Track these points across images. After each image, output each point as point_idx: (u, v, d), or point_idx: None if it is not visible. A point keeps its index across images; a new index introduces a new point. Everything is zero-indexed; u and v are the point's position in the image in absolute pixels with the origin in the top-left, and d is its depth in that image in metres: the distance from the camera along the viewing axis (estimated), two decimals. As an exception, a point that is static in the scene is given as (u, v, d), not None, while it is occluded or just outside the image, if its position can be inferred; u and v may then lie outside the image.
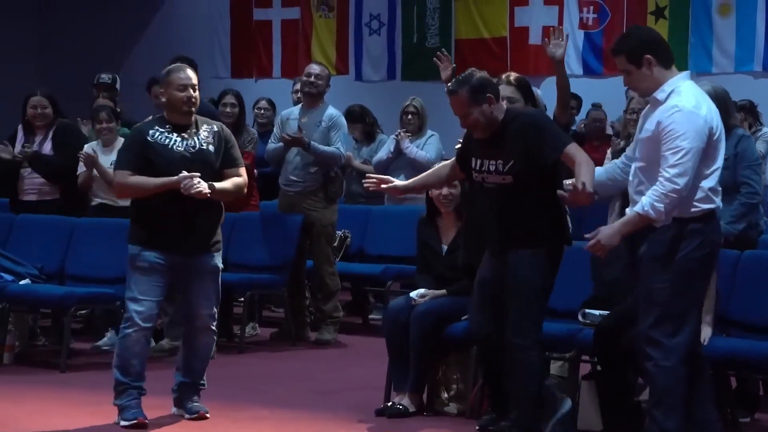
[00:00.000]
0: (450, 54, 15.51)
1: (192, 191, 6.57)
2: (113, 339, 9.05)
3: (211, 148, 6.78)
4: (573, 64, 14.52)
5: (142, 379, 6.79)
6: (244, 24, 17.01)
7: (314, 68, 9.79)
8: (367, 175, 6.73)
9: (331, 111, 9.70)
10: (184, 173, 6.59)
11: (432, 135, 10.83)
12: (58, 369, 8.45)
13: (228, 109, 9.86)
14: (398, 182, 6.84)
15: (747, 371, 6.54)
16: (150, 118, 7.05)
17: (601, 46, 14.79)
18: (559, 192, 5.97)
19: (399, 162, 10.66)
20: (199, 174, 6.61)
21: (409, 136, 10.74)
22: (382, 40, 16.16)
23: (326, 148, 9.52)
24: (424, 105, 10.99)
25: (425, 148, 10.63)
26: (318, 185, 9.59)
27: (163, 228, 6.67)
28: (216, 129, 6.87)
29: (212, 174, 6.73)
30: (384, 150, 10.90)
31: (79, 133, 10.06)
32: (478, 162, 6.36)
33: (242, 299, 9.64)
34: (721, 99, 6.41)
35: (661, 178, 5.61)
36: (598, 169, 6.19)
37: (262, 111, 11.63)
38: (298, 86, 10.90)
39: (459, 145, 6.73)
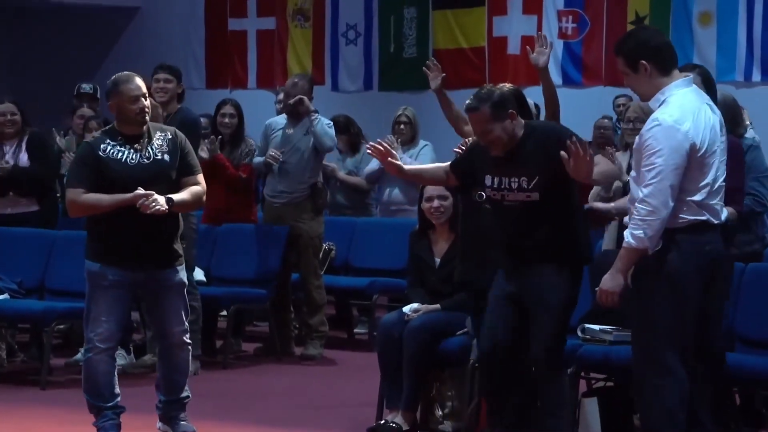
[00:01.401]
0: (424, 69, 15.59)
1: (149, 211, 6.35)
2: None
3: (166, 157, 6.55)
4: (552, 74, 14.13)
5: (114, 397, 6.61)
6: (218, 34, 16.85)
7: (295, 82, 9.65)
8: (371, 143, 6.49)
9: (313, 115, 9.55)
10: (140, 191, 6.36)
11: (426, 145, 10.69)
12: (39, 386, 8.28)
13: (227, 120, 9.71)
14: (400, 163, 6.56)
15: (752, 387, 6.40)
16: (98, 132, 6.86)
17: (581, 55, 14.71)
18: (562, 153, 5.74)
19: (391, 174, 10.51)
20: (154, 192, 6.38)
21: (398, 145, 10.57)
22: (358, 51, 16.03)
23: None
24: (414, 115, 10.82)
25: (419, 158, 10.48)
26: (305, 196, 9.44)
27: (120, 243, 6.46)
28: (170, 136, 6.62)
29: (169, 185, 6.52)
30: (376, 161, 10.71)
31: (51, 141, 9.88)
32: (496, 180, 6.15)
33: (225, 313, 9.46)
34: (729, 107, 6.26)
35: (637, 202, 5.44)
36: None
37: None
38: (281, 96, 10.76)
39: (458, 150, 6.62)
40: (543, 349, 6.05)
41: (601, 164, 5.99)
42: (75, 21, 17.52)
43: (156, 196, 6.37)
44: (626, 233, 5.50)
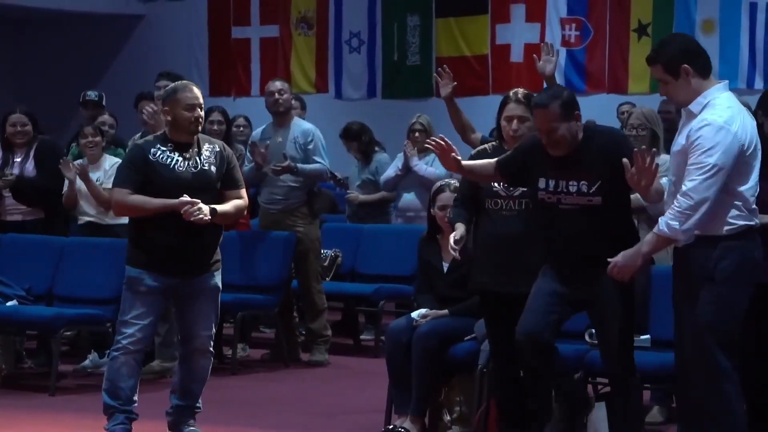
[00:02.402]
0: (431, 72, 15.73)
1: (193, 218, 6.42)
2: (96, 360, 8.93)
3: (212, 168, 6.64)
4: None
5: (131, 403, 6.65)
6: (222, 42, 16.89)
7: (276, 84, 9.58)
8: (432, 138, 6.43)
9: (305, 125, 9.58)
10: (185, 198, 6.44)
11: (441, 152, 10.68)
12: (47, 392, 8.29)
13: (215, 127, 9.70)
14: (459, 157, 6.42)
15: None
16: (151, 136, 6.91)
17: (584, 63, 14.76)
18: (624, 161, 5.69)
19: (408, 180, 10.52)
20: (199, 201, 6.46)
21: (414, 151, 10.59)
22: (362, 58, 16.07)
23: (312, 166, 9.40)
24: (428, 123, 10.81)
25: (434, 164, 10.47)
26: (301, 202, 9.46)
27: (162, 250, 6.52)
28: (218, 149, 6.72)
29: (213, 195, 6.60)
30: (392, 167, 10.77)
31: (60, 150, 9.90)
32: (551, 182, 6.05)
33: (233, 320, 9.48)
34: None
35: (679, 195, 5.50)
36: None
37: (241, 128, 11.45)
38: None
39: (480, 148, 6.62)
40: (617, 362, 6.01)
41: (656, 181, 5.88)
42: (79, 29, 17.55)
43: (201, 204, 6.45)
44: (661, 220, 5.51)
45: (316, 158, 9.42)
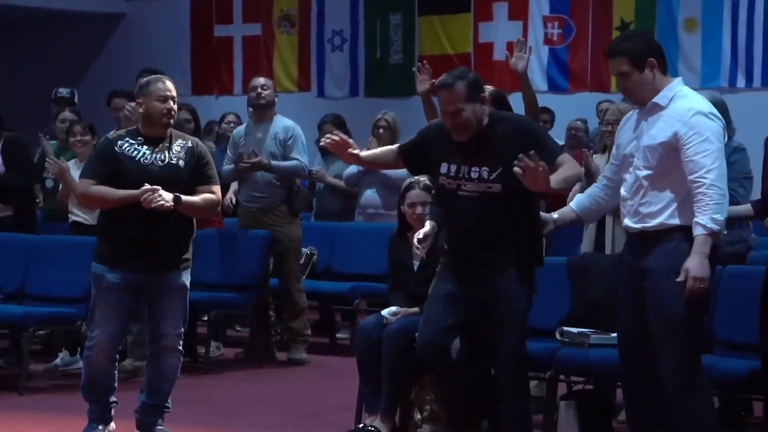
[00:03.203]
0: (414, 71, 15.59)
1: (153, 205, 6.35)
2: (67, 359, 8.86)
3: (181, 163, 6.56)
4: (538, 80, 14.41)
5: (110, 393, 6.66)
6: (204, 40, 16.82)
7: (259, 80, 9.59)
8: (326, 136, 6.37)
9: (286, 122, 9.51)
10: (146, 186, 6.39)
11: (406, 150, 10.60)
12: (17, 392, 8.20)
13: (183, 125, 9.63)
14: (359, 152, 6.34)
15: (731, 390, 6.36)
16: (123, 130, 6.86)
17: (567, 61, 14.70)
18: (515, 167, 5.58)
19: (370, 177, 10.45)
20: (160, 188, 6.39)
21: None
22: (344, 57, 16.01)
23: (288, 163, 9.33)
24: (393, 120, 10.77)
25: (399, 162, 10.43)
26: (281, 200, 9.39)
27: (127, 245, 6.47)
28: (190, 145, 6.64)
29: (182, 191, 6.51)
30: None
31: (29, 146, 9.80)
32: (453, 168, 5.98)
33: (206, 319, 9.40)
34: (720, 108, 6.23)
35: (701, 188, 5.40)
36: (579, 196, 6.00)
37: (231, 125, 11.36)
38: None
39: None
40: (512, 361, 5.92)
41: (564, 168, 5.82)
42: (60, 28, 17.48)
43: (162, 192, 6.38)
44: (703, 219, 5.38)
45: (295, 155, 9.35)
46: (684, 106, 5.52)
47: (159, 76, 6.72)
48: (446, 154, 6.00)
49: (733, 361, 6.27)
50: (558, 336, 6.62)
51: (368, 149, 10.40)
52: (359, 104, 15.44)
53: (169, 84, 6.59)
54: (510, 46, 7.36)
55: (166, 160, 6.53)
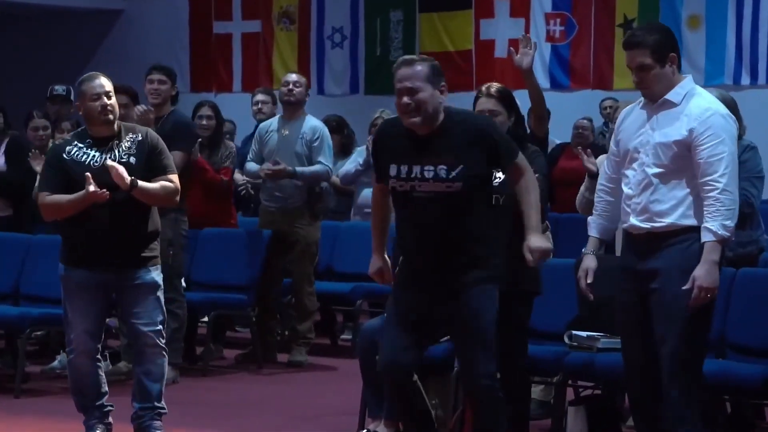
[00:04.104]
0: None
1: (100, 196, 6.20)
2: (64, 361, 8.71)
3: (132, 159, 6.41)
4: (540, 78, 14.21)
5: (101, 396, 6.56)
6: (203, 37, 16.76)
7: (292, 76, 9.50)
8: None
9: (314, 122, 9.37)
10: (90, 187, 6.23)
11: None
12: (13, 394, 8.10)
13: (204, 122, 9.51)
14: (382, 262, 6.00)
15: (742, 395, 6.23)
16: (70, 134, 6.76)
17: (568, 59, 14.62)
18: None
19: (367, 175, 10.30)
20: (106, 191, 6.24)
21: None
22: (344, 54, 15.94)
23: (312, 168, 9.18)
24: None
25: (397, 162, 10.29)
26: (302, 202, 9.24)
27: (89, 245, 6.38)
28: (140, 138, 6.48)
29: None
30: (351, 162, 10.53)
31: (31, 145, 9.68)
32: (405, 168, 5.47)
33: (206, 320, 9.28)
34: (730, 107, 6.09)
35: (713, 192, 5.28)
36: (593, 220, 5.75)
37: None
38: (259, 97, 10.59)
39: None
40: (480, 375, 5.52)
41: (528, 198, 5.47)
42: (57, 24, 17.43)
43: (120, 169, 6.24)
44: (713, 225, 5.25)
45: (320, 158, 9.22)
46: (701, 105, 5.40)
47: (91, 74, 6.55)
48: (395, 155, 5.51)
49: (746, 366, 6.13)
50: (566, 340, 6.48)
51: (367, 148, 10.41)
52: (359, 102, 15.38)
53: (102, 80, 6.43)
54: (514, 43, 7.16)
55: (116, 159, 6.39)
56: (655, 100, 5.49)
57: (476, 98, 6.40)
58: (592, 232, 5.75)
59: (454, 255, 5.46)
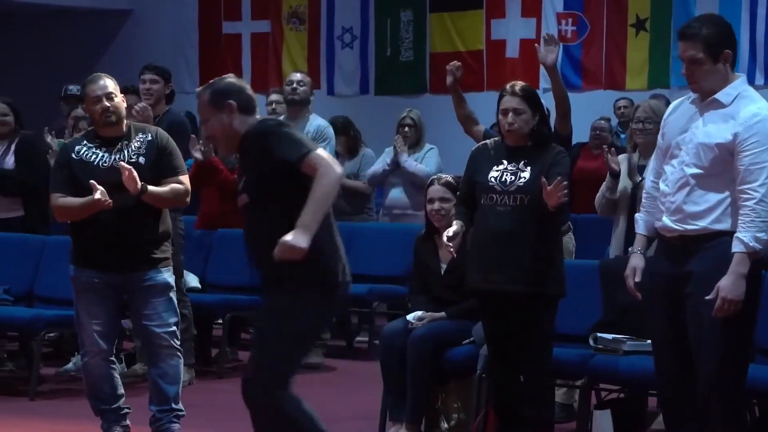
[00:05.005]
0: (424, 68, 15.58)
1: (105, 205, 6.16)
2: (79, 363, 8.64)
3: (141, 160, 6.37)
4: (550, 78, 14.26)
5: (117, 399, 6.50)
6: (212, 37, 16.70)
7: (296, 75, 9.50)
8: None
9: (319, 121, 9.34)
10: (96, 195, 6.19)
11: (431, 148, 10.36)
12: (27, 396, 8.04)
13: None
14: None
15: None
16: (80, 134, 6.71)
17: (580, 59, 14.55)
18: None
19: (396, 176, 10.23)
20: (110, 201, 6.20)
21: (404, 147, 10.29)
22: (354, 54, 15.88)
23: None
24: (419, 117, 10.52)
25: (424, 161, 10.19)
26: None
27: (97, 246, 6.34)
28: (150, 138, 6.43)
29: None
30: (380, 162, 10.47)
31: (42, 145, 9.63)
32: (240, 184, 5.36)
33: (221, 321, 9.21)
34: None
35: (750, 202, 5.14)
36: (640, 217, 5.59)
37: None
38: (273, 97, 10.53)
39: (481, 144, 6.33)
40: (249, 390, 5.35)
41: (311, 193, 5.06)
42: (66, 24, 17.40)
43: (133, 171, 6.19)
44: (745, 237, 5.13)
45: None
46: (750, 109, 5.20)
47: (94, 75, 6.53)
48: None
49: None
50: (591, 342, 6.41)
51: (395, 147, 10.35)
52: (369, 102, 15.36)
53: (103, 82, 6.40)
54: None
55: (125, 159, 6.35)
56: (704, 97, 5.33)
57: (500, 96, 6.34)
58: (640, 229, 5.59)
59: (266, 267, 5.17)
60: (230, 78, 5.33)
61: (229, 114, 5.17)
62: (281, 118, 9.48)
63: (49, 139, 10.07)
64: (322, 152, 5.06)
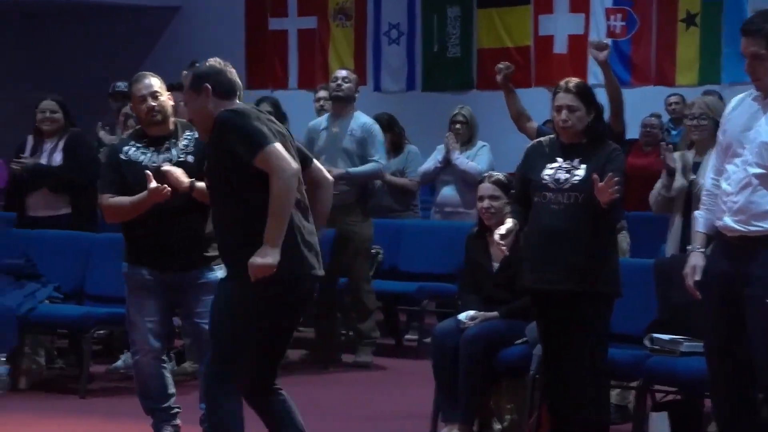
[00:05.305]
0: (471, 64, 15.51)
1: (162, 194, 6.11)
2: (128, 361, 8.63)
3: (189, 158, 6.33)
4: (599, 73, 14.00)
5: (167, 398, 6.49)
6: (259, 34, 16.73)
7: (341, 72, 9.41)
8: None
9: (364, 119, 9.26)
10: (151, 185, 6.16)
11: (483, 146, 10.27)
12: (78, 394, 8.03)
13: None
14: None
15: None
16: (127, 134, 6.68)
17: (629, 54, 14.45)
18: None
19: (447, 173, 10.16)
20: (167, 187, 6.16)
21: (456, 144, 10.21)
22: (401, 50, 15.86)
23: (365, 168, 9.10)
24: (471, 114, 10.42)
25: (476, 159, 10.11)
26: (354, 199, 9.11)
27: (149, 245, 6.32)
28: (197, 135, 6.32)
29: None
30: (431, 160, 10.40)
31: (90, 142, 9.63)
32: None
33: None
34: None
35: None
36: (700, 215, 5.48)
37: None
38: (321, 93, 10.48)
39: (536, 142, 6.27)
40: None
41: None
42: (115, 20, 17.49)
43: (179, 174, 6.16)
44: None
45: (373, 155, 9.12)
46: None
47: (139, 74, 6.50)
48: None
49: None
50: (647, 343, 6.32)
51: (446, 145, 10.28)
52: (416, 98, 15.34)
53: (148, 80, 6.37)
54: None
55: (173, 158, 6.33)
56: (767, 94, 5.24)
57: (554, 93, 6.26)
58: (699, 227, 5.49)
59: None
60: (212, 61, 5.33)
61: (205, 97, 5.20)
62: (326, 115, 9.44)
63: (101, 134, 10.08)
64: (275, 149, 5.03)
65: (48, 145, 9.05)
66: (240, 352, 5.16)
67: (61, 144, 9.05)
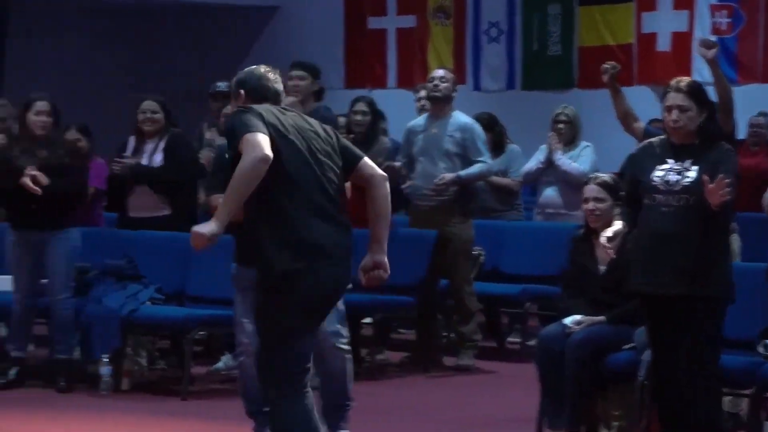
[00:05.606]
0: (572, 62, 15.35)
1: None
2: (229, 362, 8.63)
3: None
4: (705, 72, 13.79)
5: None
6: (358, 33, 16.68)
7: (438, 72, 9.34)
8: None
9: (464, 119, 9.16)
10: None
11: (587, 146, 10.08)
12: (179, 396, 8.03)
13: (359, 117, 9.39)
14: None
15: None
16: None
17: (735, 52, 14.15)
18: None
19: (549, 174, 10.01)
20: None
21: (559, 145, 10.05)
22: (501, 48, 15.71)
23: (474, 169, 9.03)
24: (574, 114, 10.25)
25: (579, 159, 9.93)
26: (453, 199, 9.01)
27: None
28: None
29: None
30: (533, 160, 10.26)
31: (190, 143, 9.62)
32: None
33: (369, 321, 9.09)
34: None
35: None
36: None
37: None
38: (421, 93, 10.37)
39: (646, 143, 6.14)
40: None
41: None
42: (214, 20, 17.59)
43: None
44: None
45: (477, 156, 9.03)
46: None
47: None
48: None
49: None
50: (762, 350, 6.16)
51: (549, 145, 10.15)
52: (516, 98, 15.20)
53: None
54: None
55: None
56: None
57: (665, 93, 6.10)
58: None
59: None
60: (257, 67, 5.46)
61: (240, 102, 5.37)
62: (425, 116, 9.34)
63: (208, 135, 10.08)
64: (252, 137, 5.06)
65: (149, 146, 9.06)
66: (280, 354, 5.14)
67: (162, 144, 9.06)
